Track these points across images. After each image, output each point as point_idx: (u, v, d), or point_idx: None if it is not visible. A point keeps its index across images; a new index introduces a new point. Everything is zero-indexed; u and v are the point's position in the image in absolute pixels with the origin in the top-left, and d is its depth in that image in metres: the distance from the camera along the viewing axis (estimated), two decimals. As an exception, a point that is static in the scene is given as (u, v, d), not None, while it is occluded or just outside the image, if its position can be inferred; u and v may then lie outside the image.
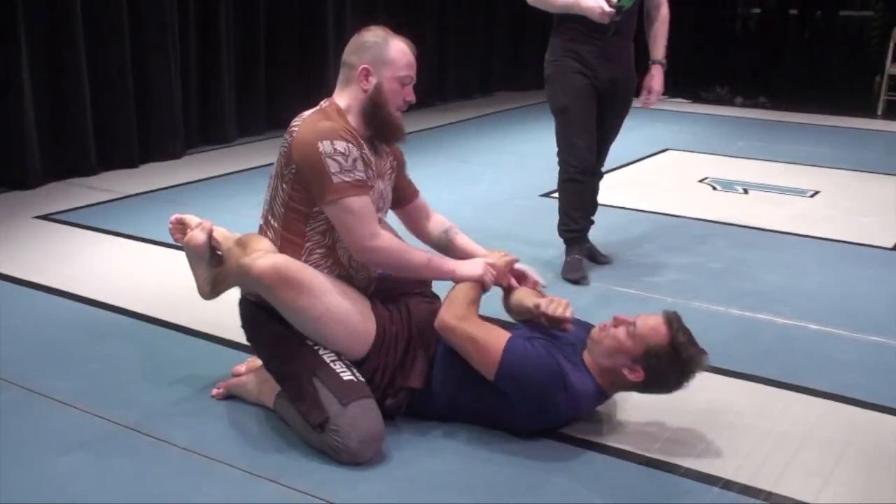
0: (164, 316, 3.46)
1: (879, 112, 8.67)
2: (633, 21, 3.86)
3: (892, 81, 8.77)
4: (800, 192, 5.61)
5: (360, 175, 2.57)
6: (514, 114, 8.25)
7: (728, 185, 5.69)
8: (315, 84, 7.17)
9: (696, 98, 9.12)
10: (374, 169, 2.67)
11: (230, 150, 6.44)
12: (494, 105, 8.65)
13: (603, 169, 4.16)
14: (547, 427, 2.64)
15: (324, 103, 2.72)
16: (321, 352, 2.58)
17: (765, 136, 7.53)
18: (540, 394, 2.54)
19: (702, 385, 3.03)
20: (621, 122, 4.04)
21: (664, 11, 3.96)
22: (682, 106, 8.77)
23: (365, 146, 2.64)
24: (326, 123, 2.59)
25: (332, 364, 2.56)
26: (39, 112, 5.25)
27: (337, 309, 2.58)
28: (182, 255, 4.18)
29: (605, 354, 2.60)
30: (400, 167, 2.87)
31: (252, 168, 5.88)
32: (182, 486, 2.38)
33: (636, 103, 4.00)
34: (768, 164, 6.35)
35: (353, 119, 2.66)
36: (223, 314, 3.49)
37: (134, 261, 4.12)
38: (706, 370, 2.63)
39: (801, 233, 4.78)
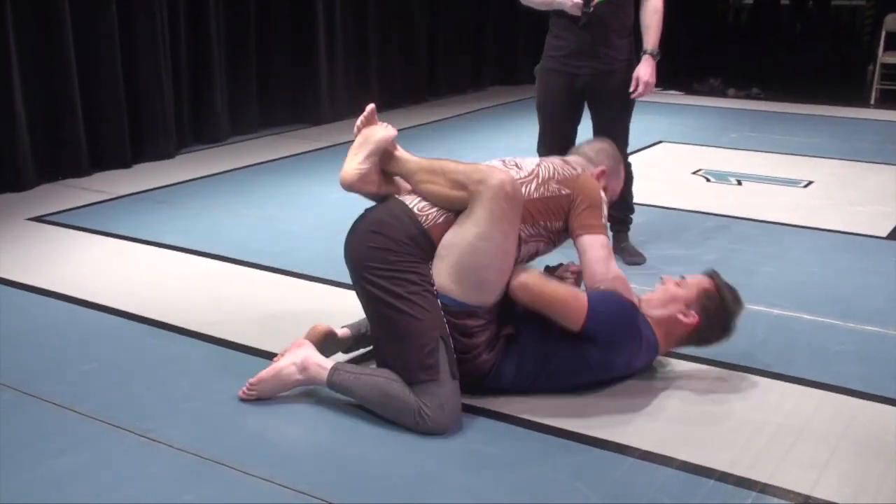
0: (158, 316, 3.45)
1: (872, 101, 8.68)
2: (620, 14, 3.85)
3: (884, 70, 8.77)
4: (793, 183, 5.61)
5: (606, 220, 2.97)
6: (507, 108, 8.23)
7: (722, 177, 5.68)
8: (306, 82, 7.20)
9: (689, 90, 9.12)
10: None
11: (223, 149, 6.42)
12: (486, 100, 8.63)
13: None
14: (615, 375, 2.88)
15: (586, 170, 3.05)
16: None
17: (758, 126, 7.53)
18: (624, 338, 2.81)
19: (696, 377, 3.04)
20: (619, 115, 4.02)
21: (656, 2, 3.95)
22: (676, 98, 8.77)
23: None
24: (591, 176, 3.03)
25: (449, 336, 2.68)
26: (31, 114, 5.24)
27: (514, 248, 2.75)
28: (179, 256, 4.19)
29: (660, 305, 2.92)
30: None
31: (245, 167, 5.88)
32: (176, 486, 2.38)
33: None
34: (762, 155, 6.35)
35: None
36: (217, 315, 3.49)
37: (127, 261, 4.11)
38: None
39: (794, 223, 4.77)
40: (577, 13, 3.68)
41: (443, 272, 2.69)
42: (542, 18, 3.98)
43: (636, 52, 3.98)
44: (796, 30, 10.99)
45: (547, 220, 2.85)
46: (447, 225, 2.73)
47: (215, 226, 4.64)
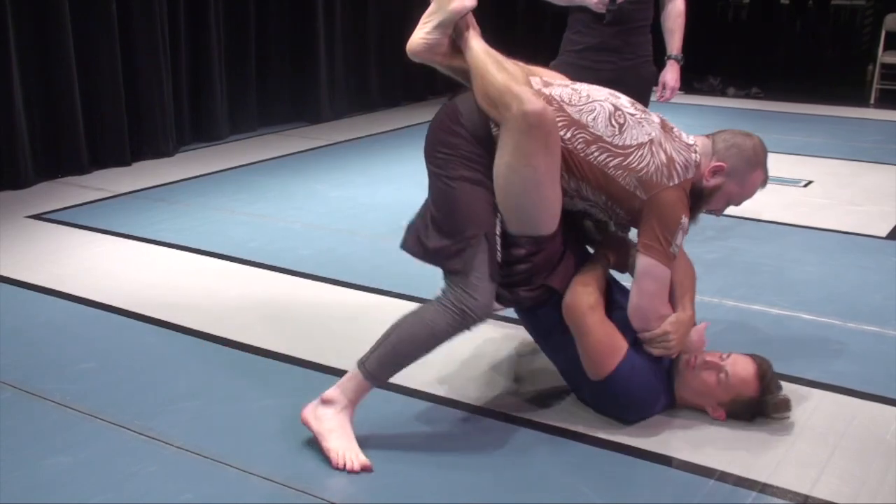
0: (157, 315, 3.45)
1: (872, 101, 8.68)
2: (644, 13, 3.85)
3: (884, 70, 8.77)
4: (793, 182, 5.61)
5: (678, 251, 2.65)
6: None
7: (721, 176, 5.67)
8: (305, 81, 7.20)
9: (689, 89, 9.10)
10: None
11: (222, 147, 6.42)
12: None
13: None
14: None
15: (694, 158, 2.64)
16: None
17: (758, 126, 7.50)
18: (629, 409, 2.68)
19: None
20: None
21: (679, 5, 3.94)
22: (676, 97, 8.74)
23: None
24: (687, 202, 2.63)
25: (498, 237, 2.54)
26: (30, 111, 5.24)
27: (554, 183, 2.52)
28: (178, 254, 4.19)
29: (694, 394, 2.71)
30: None
31: (244, 165, 5.88)
32: (175, 484, 2.38)
33: (654, 98, 3.99)
34: (761, 155, 6.35)
35: (694, 182, 2.66)
36: (217, 313, 3.49)
37: (127, 259, 4.11)
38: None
39: (794, 222, 4.78)
40: (602, 10, 3.69)
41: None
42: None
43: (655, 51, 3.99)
44: (796, 29, 11.00)
45: (606, 196, 2.58)
46: None
47: (215, 224, 4.64)
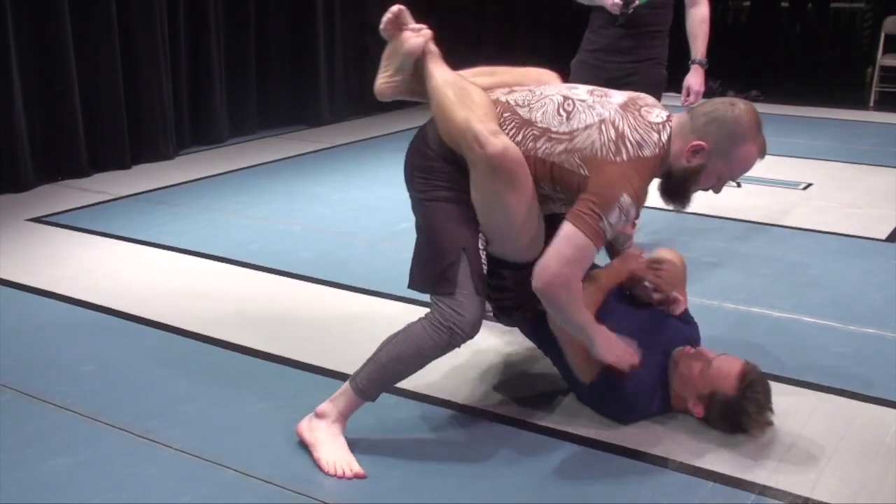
0: (157, 317, 3.45)
1: (872, 103, 8.68)
2: (660, 17, 3.87)
3: (883, 73, 8.77)
4: (793, 185, 5.61)
5: (610, 229, 2.42)
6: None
7: (721, 179, 5.67)
8: (305, 84, 7.20)
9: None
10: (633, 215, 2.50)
11: (222, 150, 6.42)
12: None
13: None
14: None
15: (661, 138, 2.48)
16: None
17: (757, 129, 7.51)
18: (623, 407, 2.70)
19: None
20: None
21: (702, 11, 3.95)
22: (675, 100, 8.75)
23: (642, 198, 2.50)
24: (640, 183, 2.44)
25: (481, 250, 2.52)
26: (30, 113, 5.24)
27: (529, 214, 2.49)
28: (178, 256, 4.19)
29: (679, 381, 2.71)
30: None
31: (244, 168, 5.88)
32: (175, 486, 2.38)
33: (677, 102, 4.01)
34: (761, 157, 6.35)
35: (661, 168, 2.51)
36: (217, 316, 3.49)
37: (127, 262, 4.11)
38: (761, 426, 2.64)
39: (794, 225, 4.78)
40: (617, 12, 3.74)
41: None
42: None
43: (668, 55, 4.01)
44: (796, 32, 11.00)
45: (558, 185, 2.49)
46: None
47: (215, 227, 4.64)
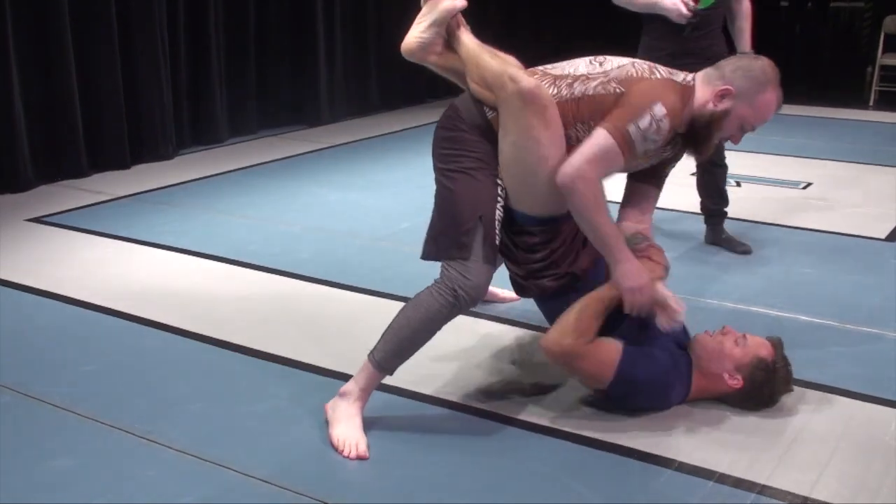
0: (157, 317, 3.45)
1: (871, 103, 8.68)
2: (720, 12, 3.98)
3: (883, 72, 8.77)
4: (792, 184, 5.61)
5: (641, 138, 2.55)
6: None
7: (720, 178, 5.67)
8: (305, 84, 7.20)
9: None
10: (655, 154, 2.68)
11: (222, 150, 6.42)
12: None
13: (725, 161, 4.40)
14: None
15: (686, 78, 2.70)
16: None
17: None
18: (648, 402, 2.74)
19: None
20: None
21: (746, 5, 4.08)
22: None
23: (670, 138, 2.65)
24: (674, 101, 2.60)
25: (497, 221, 2.60)
26: (30, 114, 5.24)
27: (559, 156, 2.55)
28: (178, 256, 4.19)
29: (711, 359, 2.74)
30: (666, 165, 2.87)
31: (244, 168, 5.88)
32: (176, 487, 2.38)
33: None
34: (760, 157, 6.34)
35: (686, 111, 2.66)
36: (216, 316, 3.49)
37: (126, 262, 4.11)
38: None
39: (793, 224, 4.78)
40: (683, 22, 3.80)
41: (502, 176, 2.63)
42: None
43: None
44: (795, 31, 11.00)
45: (598, 117, 2.59)
46: None
47: (214, 227, 4.64)
